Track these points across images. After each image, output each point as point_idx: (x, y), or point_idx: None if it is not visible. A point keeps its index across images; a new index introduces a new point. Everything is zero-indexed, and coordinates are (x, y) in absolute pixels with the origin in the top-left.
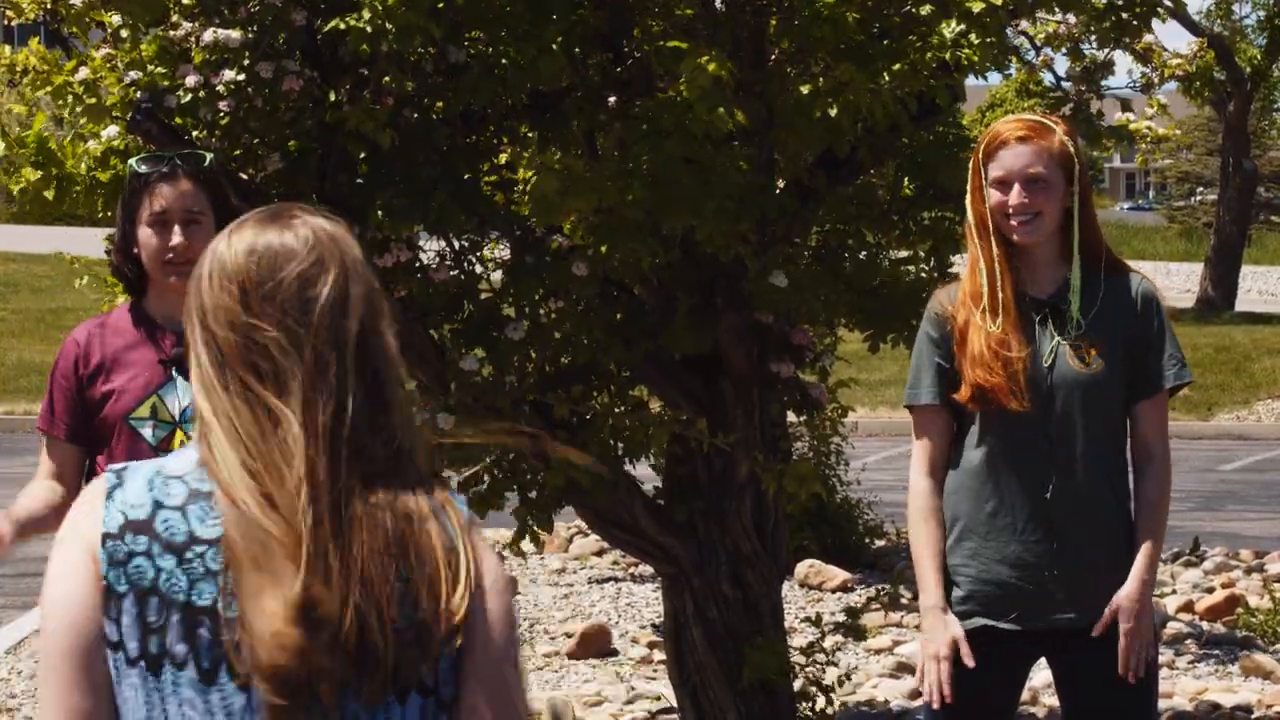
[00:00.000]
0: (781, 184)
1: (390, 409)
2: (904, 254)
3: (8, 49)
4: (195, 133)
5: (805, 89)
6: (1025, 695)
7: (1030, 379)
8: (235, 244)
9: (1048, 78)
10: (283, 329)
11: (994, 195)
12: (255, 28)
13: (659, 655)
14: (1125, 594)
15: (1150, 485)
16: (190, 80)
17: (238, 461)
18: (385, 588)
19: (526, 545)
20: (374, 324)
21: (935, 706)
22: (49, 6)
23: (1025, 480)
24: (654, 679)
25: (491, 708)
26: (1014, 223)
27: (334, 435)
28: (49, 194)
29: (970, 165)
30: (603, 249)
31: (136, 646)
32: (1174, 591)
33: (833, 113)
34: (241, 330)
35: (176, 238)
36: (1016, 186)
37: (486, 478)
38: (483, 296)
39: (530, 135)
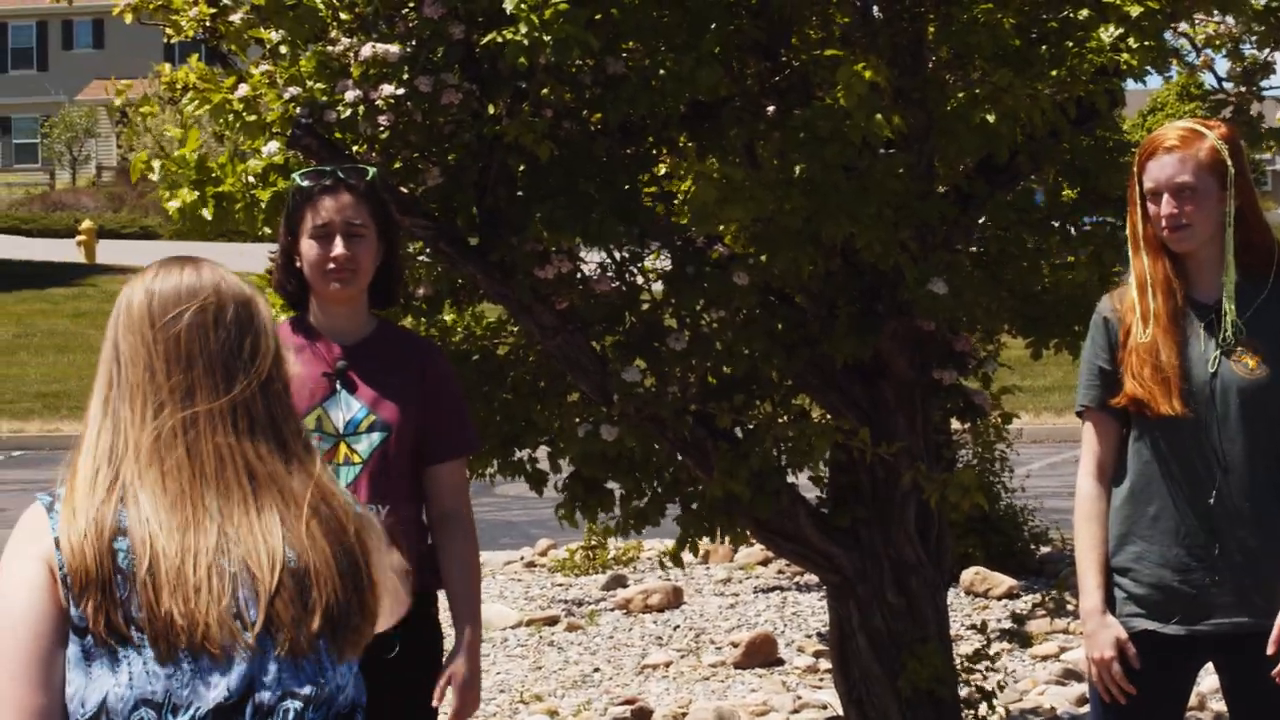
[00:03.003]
0: (941, 190)
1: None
2: (1067, 259)
3: (168, 67)
4: (355, 147)
5: (963, 95)
6: (1192, 700)
7: (1192, 384)
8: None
9: (1209, 80)
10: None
11: (1151, 208)
12: (413, 42)
13: (825, 664)
14: None
15: None
16: (349, 95)
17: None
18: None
19: (689, 555)
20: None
21: (1107, 701)
22: (208, 24)
23: (1188, 484)
24: (820, 687)
25: None
26: (1166, 232)
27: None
28: (206, 212)
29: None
30: (763, 258)
31: None
32: None
33: (991, 119)
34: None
35: (339, 249)
36: (1166, 197)
37: (647, 490)
38: (644, 307)
39: (689, 145)
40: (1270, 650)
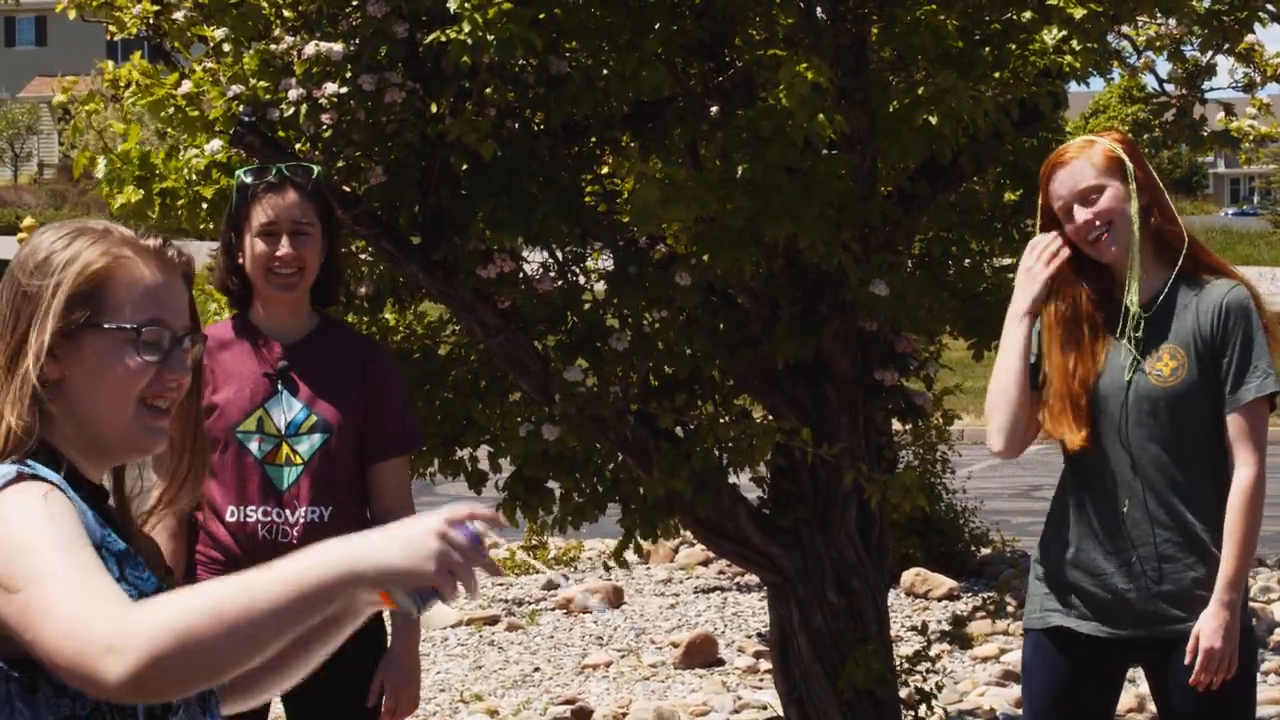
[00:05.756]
0: (883, 191)
1: None
2: (1007, 261)
3: (111, 64)
4: (298, 146)
5: (906, 96)
6: (1133, 702)
7: (1107, 394)
8: None
9: (1150, 82)
10: None
11: (1067, 228)
12: (357, 40)
13: (765, 664)
14: (1206, 614)
15: (1235, 499)
16: (292, 93)
17: None
18: None
19: (630, 556)
20: None
21: (1048, 264)
22: (151, 21)
23: (1106, 492)
24: (760, 688)
25: None
26: (1091, 239)
27: None
28: (151, 213)
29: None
30: (705, 258)
31: None
32: None
33: (934, 120)
34: None
35: (284, 248)
36: (1076, 207)
37: (588, 489)
38: (586, 307)
39: (632, 145)
40: (1187, 661)
